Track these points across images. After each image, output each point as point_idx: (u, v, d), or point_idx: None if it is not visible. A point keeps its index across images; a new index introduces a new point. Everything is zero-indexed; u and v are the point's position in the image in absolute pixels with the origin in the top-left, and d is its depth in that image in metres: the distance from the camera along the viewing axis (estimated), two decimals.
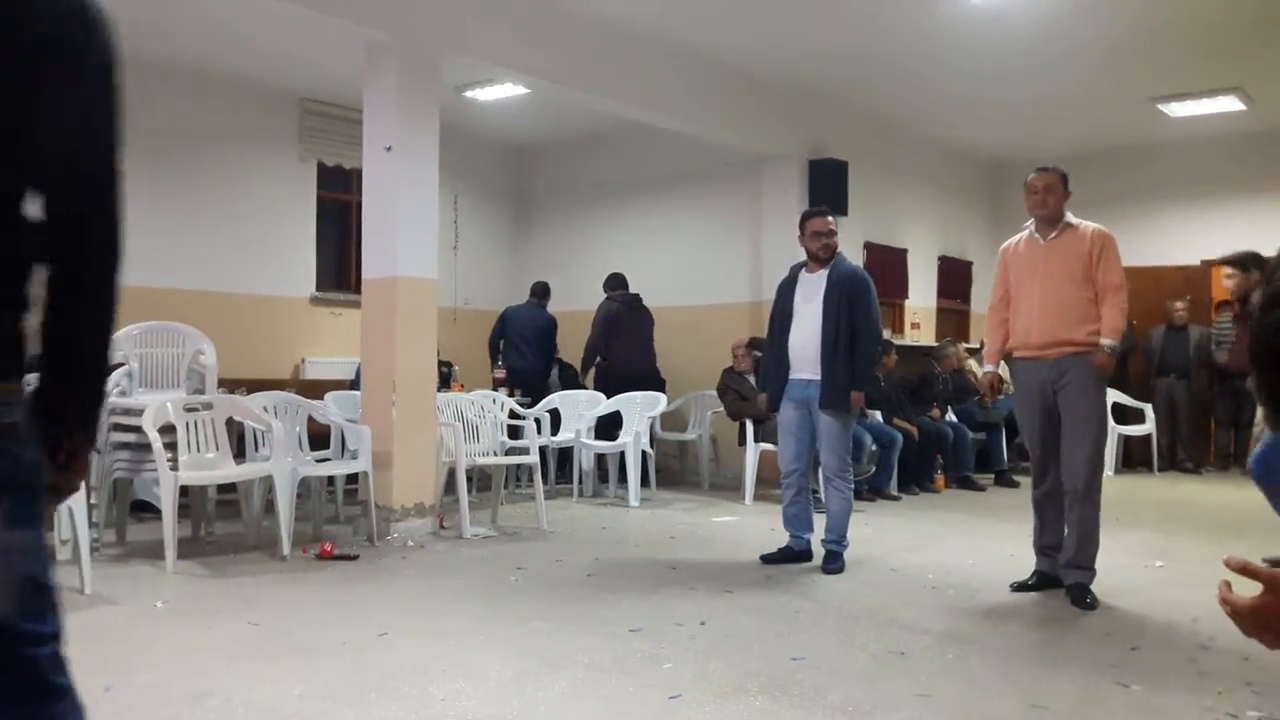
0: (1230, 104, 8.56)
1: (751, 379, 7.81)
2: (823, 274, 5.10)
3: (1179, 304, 9.69)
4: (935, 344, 9.50)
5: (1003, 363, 4.91)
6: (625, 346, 8.26)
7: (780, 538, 5.35)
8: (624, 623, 3.91)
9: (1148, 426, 9.47)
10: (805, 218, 5.22)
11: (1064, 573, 4.38)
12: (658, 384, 8.30)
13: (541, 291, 8.81)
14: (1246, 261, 5.38)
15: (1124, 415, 9.45)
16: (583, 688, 3.11)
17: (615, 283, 8.52)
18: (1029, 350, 4.47)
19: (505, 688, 3.10)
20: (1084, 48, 7.44)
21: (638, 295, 8.49)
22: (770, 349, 5.35)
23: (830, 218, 5.16)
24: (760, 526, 6.31)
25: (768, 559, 5.18)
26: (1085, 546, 4.32)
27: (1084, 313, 4.33)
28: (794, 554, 5.15)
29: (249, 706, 2.90)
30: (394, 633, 3.74)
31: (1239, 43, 7.29)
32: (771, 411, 5.38)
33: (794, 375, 5.13)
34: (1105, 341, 4.29)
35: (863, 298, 5.02)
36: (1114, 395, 8.87)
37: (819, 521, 5.20)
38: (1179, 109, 8.80)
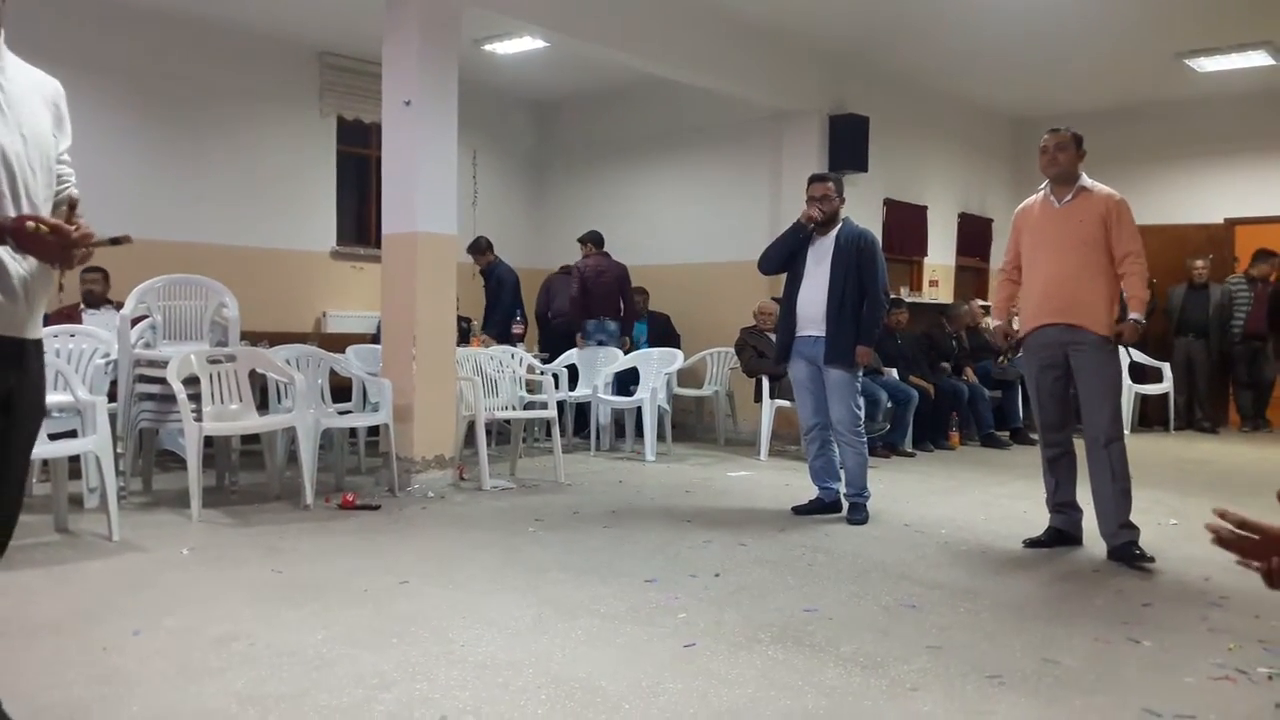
0: (1259, 59, 8.39)
1: (771, 336, 7.81)
2: (831, 236, 5.20)
3: (1199, 262, 9.60)
4: (951, 301, 9.47)
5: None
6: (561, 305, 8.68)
7: (794, 492, 5.41)
8: (640, 573, 3.97)
9: (1165, 385, 9.43)
10: (808, 181, 5.28)
11: (1113, 537, 4.29)
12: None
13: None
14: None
15: (1141, 374, 9.41)
16: (599, 636, 3.17)
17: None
18: (1042, 315, 4.46)
19: (523, 635, 3.16)
20: (1110, 1, 7.31)
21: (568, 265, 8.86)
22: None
23: (830, 184, 5.20)
24: (775, 481, 6.36)
25: (799, 510, 5.29)
26: (1126, 503, 4.29)
27: (1098, 277, 4.32)
28: (824, 505, 5.28)
29: (272, 650, 2.97)
30: (414, 580, 3.81)
31: None
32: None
33: (801, 333, 5.23)
34: (1134, 316, 4.31)
35: (869, 258, 5.13)
36: (1131, 354, 8.83)
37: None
38: (1207, 64, 8.64)
